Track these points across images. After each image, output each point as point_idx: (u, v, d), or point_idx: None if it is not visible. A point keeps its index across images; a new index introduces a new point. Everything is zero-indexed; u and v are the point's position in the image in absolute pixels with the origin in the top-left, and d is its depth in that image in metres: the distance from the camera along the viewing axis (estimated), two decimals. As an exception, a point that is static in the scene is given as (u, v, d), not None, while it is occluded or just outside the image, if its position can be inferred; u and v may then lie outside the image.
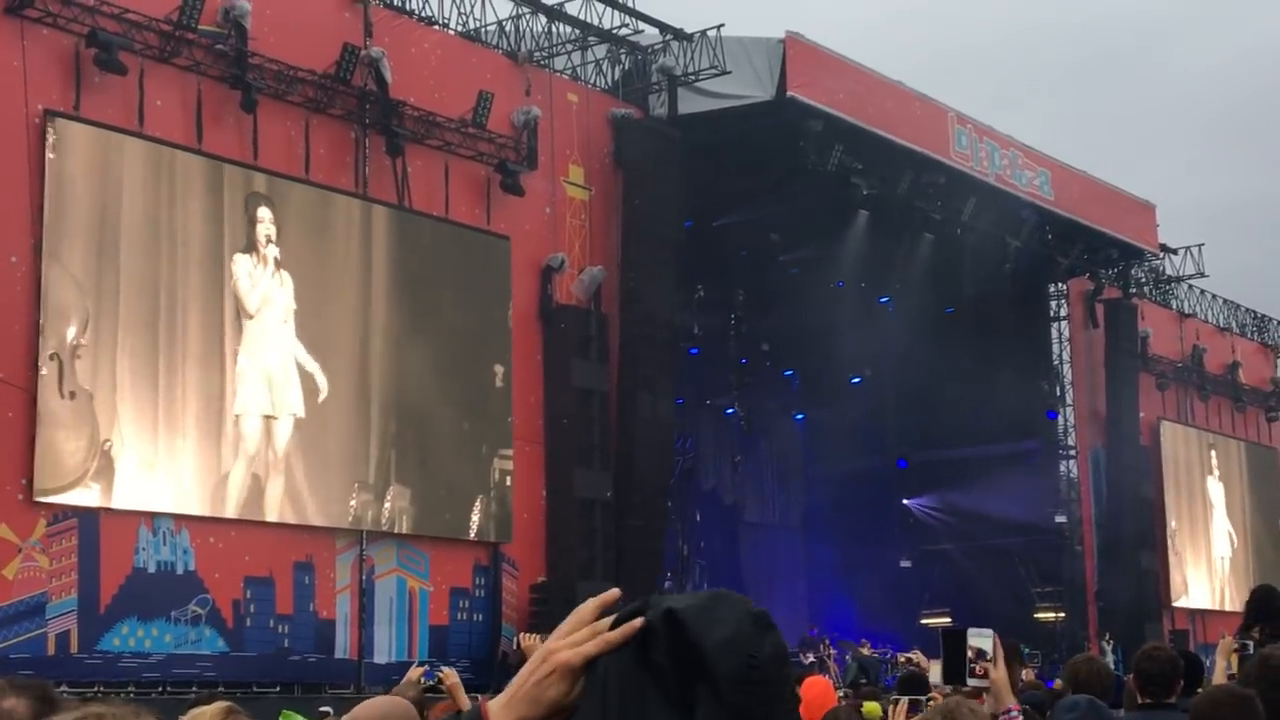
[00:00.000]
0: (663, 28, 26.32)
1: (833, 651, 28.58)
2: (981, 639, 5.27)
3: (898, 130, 27.69)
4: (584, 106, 25.38)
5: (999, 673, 5.22)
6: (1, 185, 18.03)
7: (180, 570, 19.34)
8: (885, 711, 6.79)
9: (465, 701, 7.85)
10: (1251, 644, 9.28)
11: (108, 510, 18.61)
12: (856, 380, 34.61)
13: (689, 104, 25.89)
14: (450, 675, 7.95)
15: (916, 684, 6.74)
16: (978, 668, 5.22)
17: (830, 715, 7.67)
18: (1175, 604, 37.21)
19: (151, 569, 19.02)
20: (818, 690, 8.88)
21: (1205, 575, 39.13)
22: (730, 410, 32.17)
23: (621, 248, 25.23)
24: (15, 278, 18.06)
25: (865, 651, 28.26)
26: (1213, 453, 40.25)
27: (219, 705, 3.74)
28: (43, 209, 18.28)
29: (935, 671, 8.53)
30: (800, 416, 36.72)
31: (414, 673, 8.01)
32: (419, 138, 22.57)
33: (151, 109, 19.51)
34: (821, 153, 26.59)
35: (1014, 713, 5.16)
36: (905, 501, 35.87)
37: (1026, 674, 13.84)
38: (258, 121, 20.58)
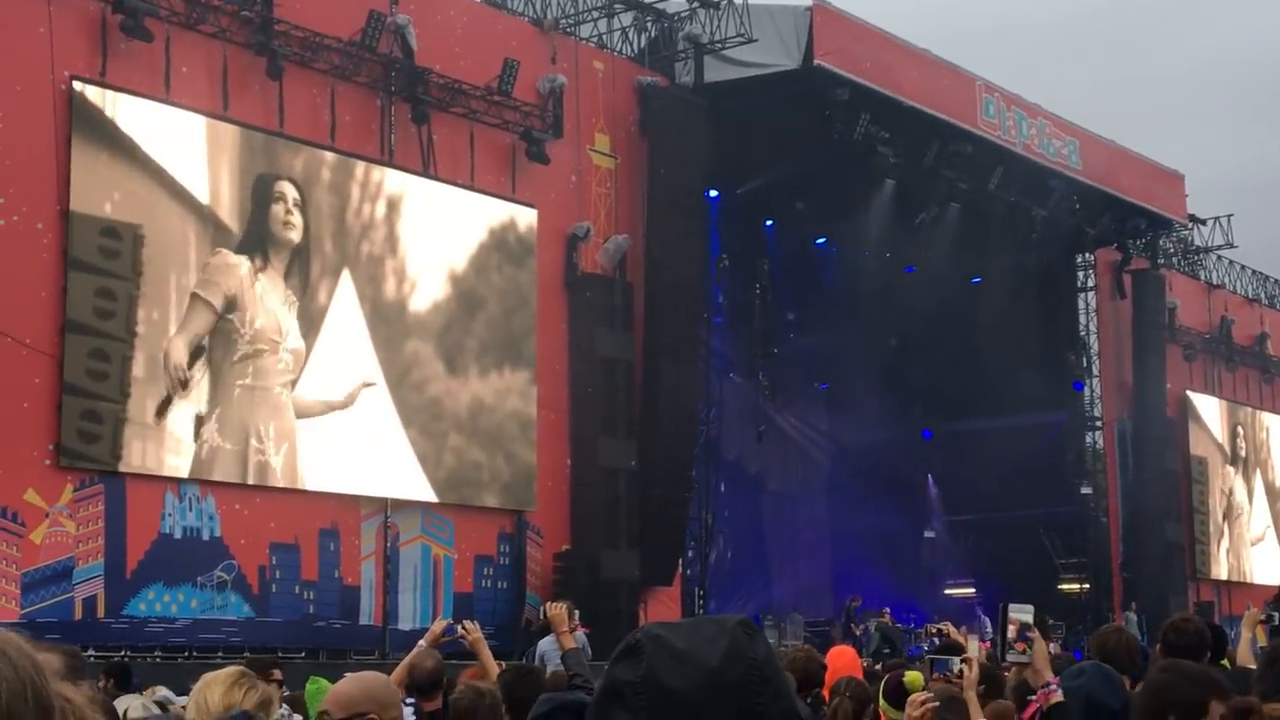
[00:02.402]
0: (689, -5, 26.21)
1: (871, 617, 28.66)
2: (1023, 613, 5.27)
3: (925, 99, 27.53)
4: (610, 74, 25.30)
5: (1040, 647, 5.21)
6: (28, 152, 18.08)
7: (206, 536, 19.44)
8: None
9: (489, 656, 7.87)
10: (1277, 615, 9.26)
11: (134, 475, 18.71)
12: (882, 350, 34.51)
13: (715, 72, 25.78)
14: (473, 630, 7.96)
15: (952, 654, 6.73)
16: (1018, 643, 5.21)
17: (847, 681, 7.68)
18: (1200, 576, 37.12)
19: (178, 535, 19.13)
20: (845, 660, 8.95)
21: (1231, 547, 39.00)
22: (755, 380, 32.10)
23: (647, 216, 25.19)
24: (42, 245, 18.12)
25: (888, 622, 28.29)
26: (1239, 424, 40.06)
27: (230, 670, 3.75)
28: (69, 176, 18.32)
29: (972, 645, 8.53)
30: (825, 386, 36.66)
31: (437, 627, 8.03)
32: (444, 105, 22.54)
33: (178, 76, 19.53)
34: (848, 122, 26.48)
35: (1053, 686, 5.14)
36: (928, 533, 35.72)
37: (1052, 647, 13.79)
38: (283, 89, 20.58)
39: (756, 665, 1.62)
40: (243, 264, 20.05)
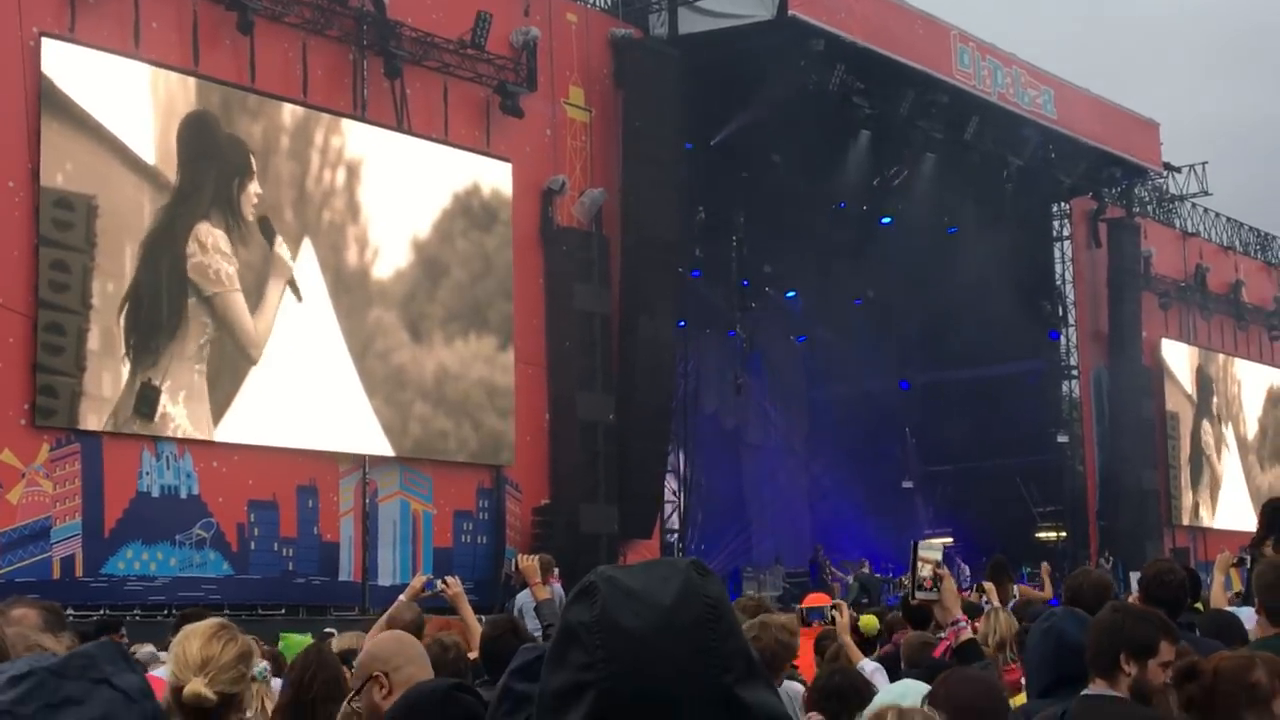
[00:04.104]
0: (662, -54, 26.05)
1: (835, 572, 28.83)
2: (931, 550, 5.30)
3: (900, 49, 27.46)
4: (583, 27, 25.17)
5: (949, 585, 5.25)
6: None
7: (184, 494, 19.42)
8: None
9: (469, 611, 7.89)
10: (1248, 558, 9.33)
11: (110, 434, 18.66)
12: (858, 302, 34.54)
13: (689, 23, 25.68)
14: (454, 585, 7.98)
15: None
16: (926, 581, 5.24)
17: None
18: (1175, 523, 37.39)
19: (155, 493, 19.10)
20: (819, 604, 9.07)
21: (1206, 494, 39.27)
22: (732, 333, 32.13)
23: (622, 170, 25.11)
24: (14, 203, 18.00)
25: (866, 571, 28.45)
26: (1211, 375, 40.26)
27: (210, 622, 3.73)
28: (39, 133, 18.17)
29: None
30: (802, 339, 36.69)
31: (416, 582, 8.05)
32: (417, 59, 22.41)
33: (147, 30, 19.36)
34: (823, 72, 26.39)
35: (962, 623, 5.19)
36: (906, 484, 35.73)
37: (1029, 591, 13.91)
38: (254, 44, 20.42)
39: (711, 603, 1.62)
40: (208, 234, 19.80)
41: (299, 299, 20.81)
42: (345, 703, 4.19)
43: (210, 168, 19.99)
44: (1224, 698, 3.76)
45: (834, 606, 7.21)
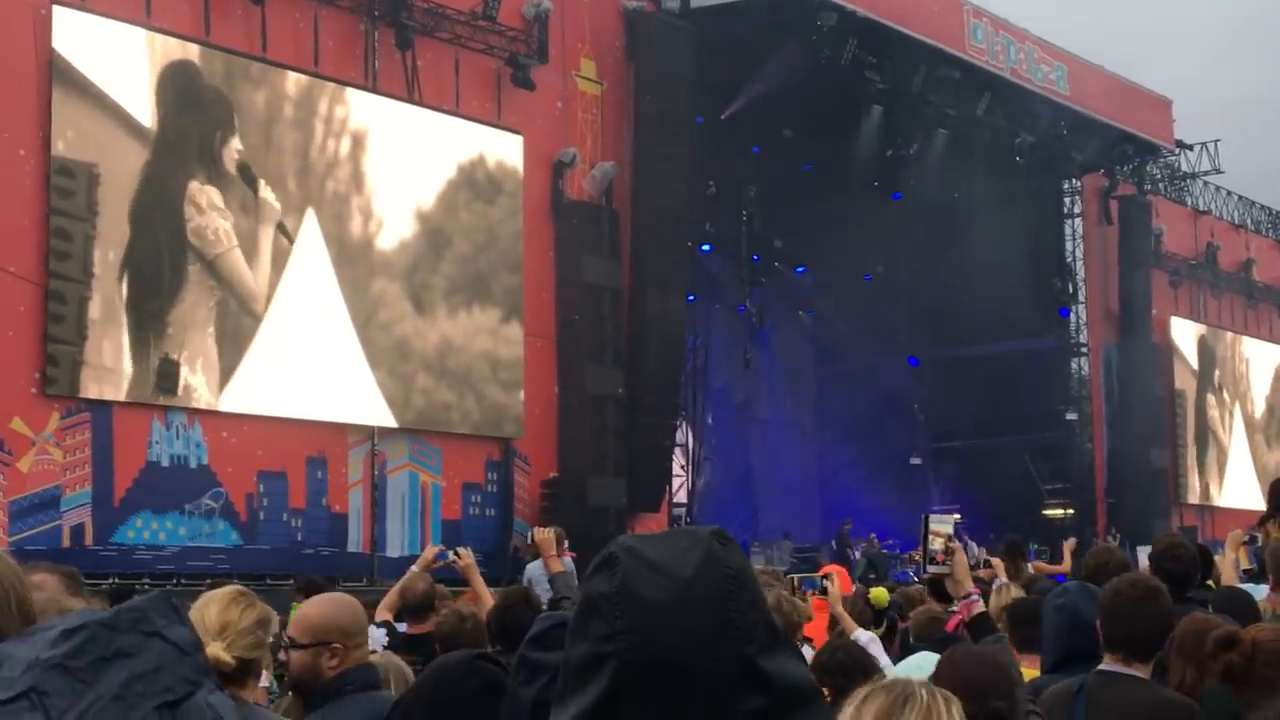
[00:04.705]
0: (675, -82, 25.94)
1: (861, 542, 28.90)
2: (944, 524, 5.29)
3: (912, 24, 27.37)
4: (595, -1, 25.11)
5: (960, 558, 5.25)
6: (8, 78, 17.91)
7: (194, 464, 19.46)
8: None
9: (481, 582, 7.91)
10: (1260, 536, 9.33)
11: (120, 404, 18.69)
12: (869, 277, 34.49)
13: (701, -4, 25.62)
14: (465, 555, 8.00)
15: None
16: (939, 555, 5.24)
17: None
18: (1182, 501, 37.39)
19: (165, 463, 19.14)
20: (840, 579, 9.18)
21: (1214, 472, 39.26)
22: (741, 307, 32.12)
23: (633, 143, 25.06)
24: (25, 171, 18.00)
25: (875, 547, 28.48)
26: (1219, 354, 40.20)
27: (228, 589, 3.75)
28: (50, 102, 18.16)
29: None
30: (811, 314, 36.68)
31: (429, 552, 8.09)
32: (429, 30, 22.36)
33: (159, 0, 19.33)
34: (835, 47, 26.31)
35: (974, 596, 5.19)
36: (914, 460, 35.62)
37: (1042, 565, 13.94)
38: (265, 13, 20.38)
39: (732, 573, 1.62)
40: (201, 192, 19.73)
41: (290, 241, 20.68)
42: (281, 650, 4.13)
43: (192, 124, 19.82)
44: (1263, 667, 3.77)
45: (825, 577, 7.24)
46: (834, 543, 29.08)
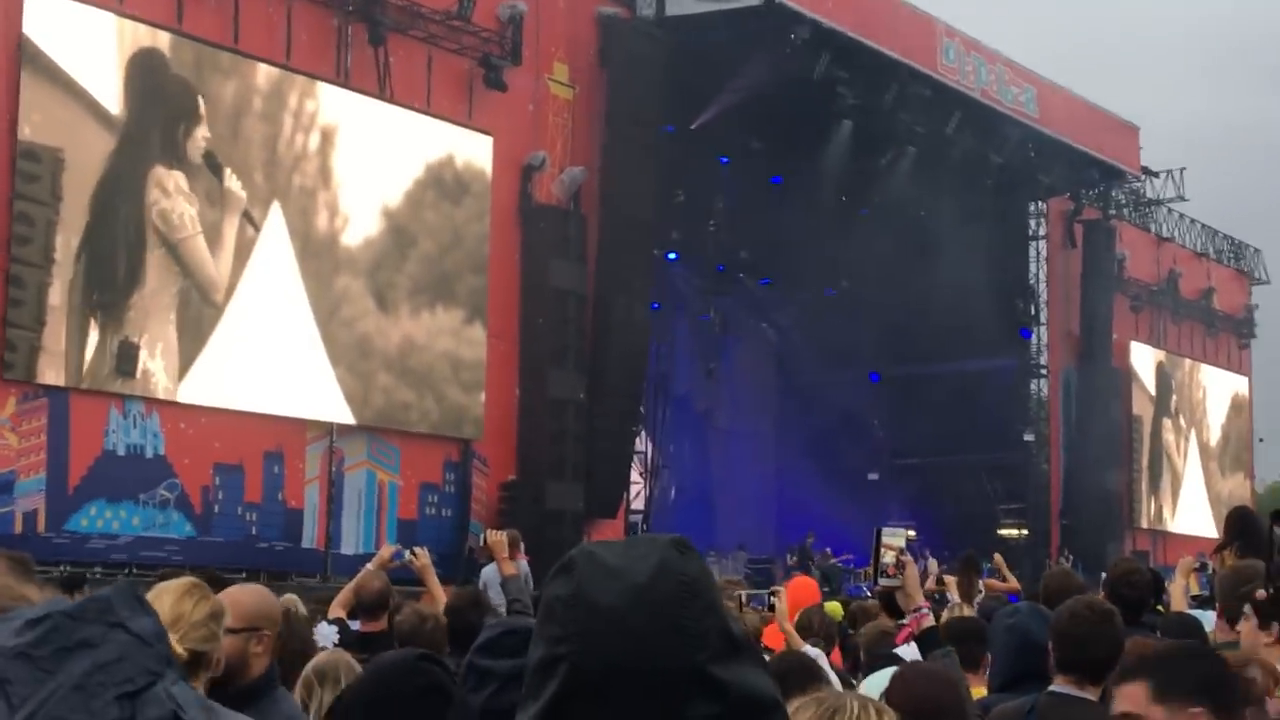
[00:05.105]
0: (653, -74, 25.98)
1: (817, 555, 28.93)
2: (896, 538, 5.32)
3: (885, 41, 27.49)
4: (571, 3, 25.10)
5: (911, 571, 5.29)
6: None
7: (150, 454, 19.34)
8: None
9: (436, 583, 7.89)
10: (1210, 563, 9.41)
11: (78, 391, 18.57)
12: (832, 291, 34.59)
13: (677, 6, 25.64)
14: (422, 556, 7.98)
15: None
16: (890, 568, 5.26)
17: (804, 614, 7.90)
18: (1136, 526, 37.63)
19: (121, 451, 19.02)
20: (808, 589, 9.24)
21: (1167, 496, 39.52)
22: (705, 316, 32.18)
23: (603, 149, 25.07)
24: (-11, 154, 17.86)
25: (829, 561, 28.54)
26: (1176, 380, 40.49)
27: (182, 581, 3.73)
28: (18, 86, 18.04)
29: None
30: (775, 326, 36.76)
31: (385, 551, 8.06)
32: (402, 28, 22.31)
33: (132, -12, 19.24)
34: (808, 61, 26.38)
35: (924, 610, 5.22)
36: (872, 475, 35.74)
37: (995, 584, 13.98)
38: (239, 3, 20.30)
39: (686, 581, 1.62)
40: (167, 176, 19.61)
41: (256, 229, 20.58)
42: (221, 630, 4.09)
43: (159, 111, 19.69)
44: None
45: (772, 593, 7.25)
46: (796, 556, 29.08)
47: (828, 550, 29.72)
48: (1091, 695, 4.44)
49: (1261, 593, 3.24)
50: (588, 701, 1.58)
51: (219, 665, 3.68)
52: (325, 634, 6.69)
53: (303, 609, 7.65)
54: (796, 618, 7.77)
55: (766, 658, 7.06)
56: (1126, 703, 3.05)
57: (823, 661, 7.10)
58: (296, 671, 4.79)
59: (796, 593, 8.72)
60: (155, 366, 19.31)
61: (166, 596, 3.57)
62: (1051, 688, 4.43)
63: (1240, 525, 7.44)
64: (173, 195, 19.58)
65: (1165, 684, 3.00)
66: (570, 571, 1.64)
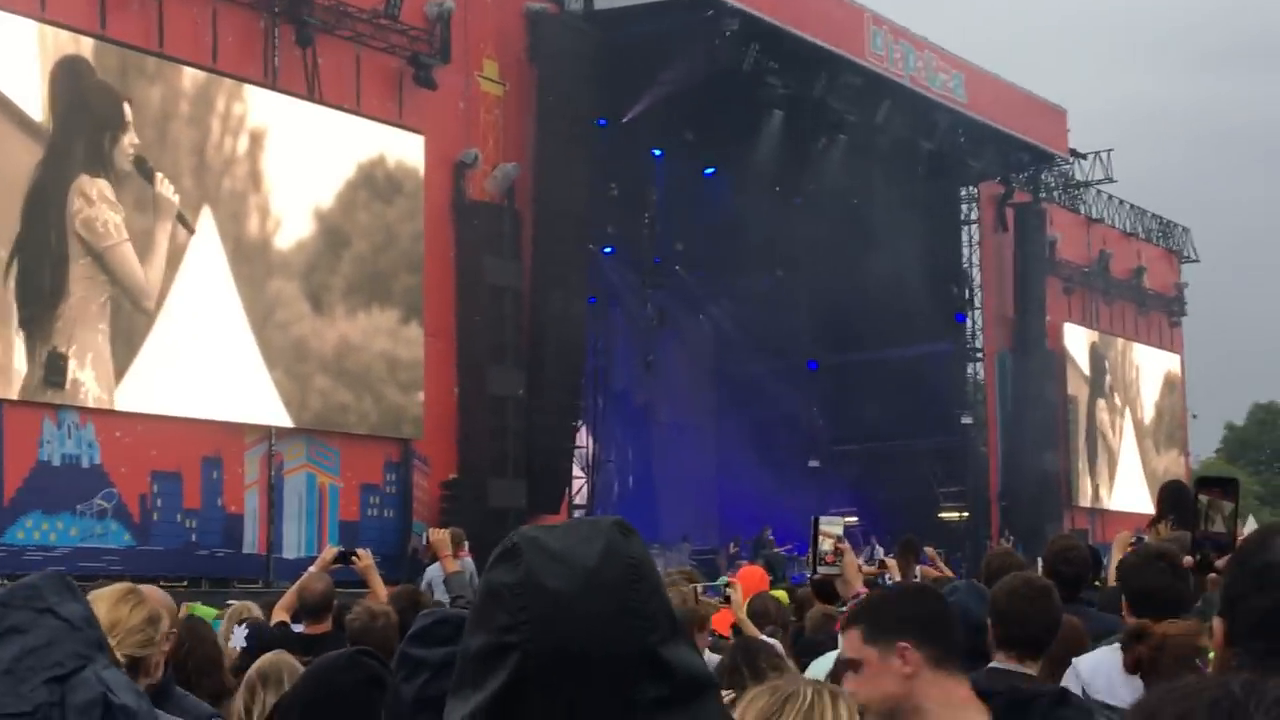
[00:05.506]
0: (579, -79, 25.95)
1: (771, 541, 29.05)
2: (834, 526, 5.37)
3: (814, 30, 27.60)
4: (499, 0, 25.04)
5: (849, 559, 5.34)
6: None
7: (86, 464, 19.14)
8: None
9: (380, 584, 7.87)
10: (1146, 538, 9.54)
11: (10, 402, 18.35)
12: (768, 282, 34.70)
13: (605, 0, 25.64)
14: (365, 557, 7.96)
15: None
16: (828, 555, 5.31)
17: (758, 599, 7.99)
18: (1074, 504, 38.00)
19: (56, 462, 18.81)
20: (756, 578, 9.31)
21: (1104, 476, 39.94)
22: (643, 310, 32.19)
23: (535, 145, 25.03)
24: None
25: (772, 549, 28.66)
26: (1110, 360, 40.91)
27: (117, 586, 3.71)
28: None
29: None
30: (712, 317, 36.83)
31: (328, 553, 8.03)
32: (330, 28, 22.18)
33: (53, -8, 19.02)
34: (737, 52, 26.45)
35: (862, 595, 5.27)
36: (813, 463, 35.82)
37: (930, 571, 14.06)
38: (163, 8, 20.11)
39: (634, 563, 1.62)
40: (91, 185, 19.39)
41: (191, 231, 20.38)
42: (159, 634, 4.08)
43: (84, 119, 19.45)
44: (1171, 661, 3.86)
45: (728, 584, 7.31)
46: (750, 547, 29.16)
47: (771, 539, 29.84)
48: (1031, 670, 4.49)
49: (1189, 559, 3.30)
50: (540, 688, 1.57)
51: (157, 669, 3.66)
52: (235, 636, 6.70)
53: (257, 612, 7.63)
54: (748, 604, 7.81)
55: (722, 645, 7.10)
56: (846, 648, 3.27)
57: (780, 649, 7.14)
58: (211, 676, 4.76)
59: (746, 581, 8.79)
60: (85, 376, 19.10)
61: (102, 603, 3.54)
62: (991, 664, 4.48)
63: (1174, 499, 7.53)
64: (96, 203, 19.36)
65: (873, 625, 3.26)
66: (515, 558, 1.62)
